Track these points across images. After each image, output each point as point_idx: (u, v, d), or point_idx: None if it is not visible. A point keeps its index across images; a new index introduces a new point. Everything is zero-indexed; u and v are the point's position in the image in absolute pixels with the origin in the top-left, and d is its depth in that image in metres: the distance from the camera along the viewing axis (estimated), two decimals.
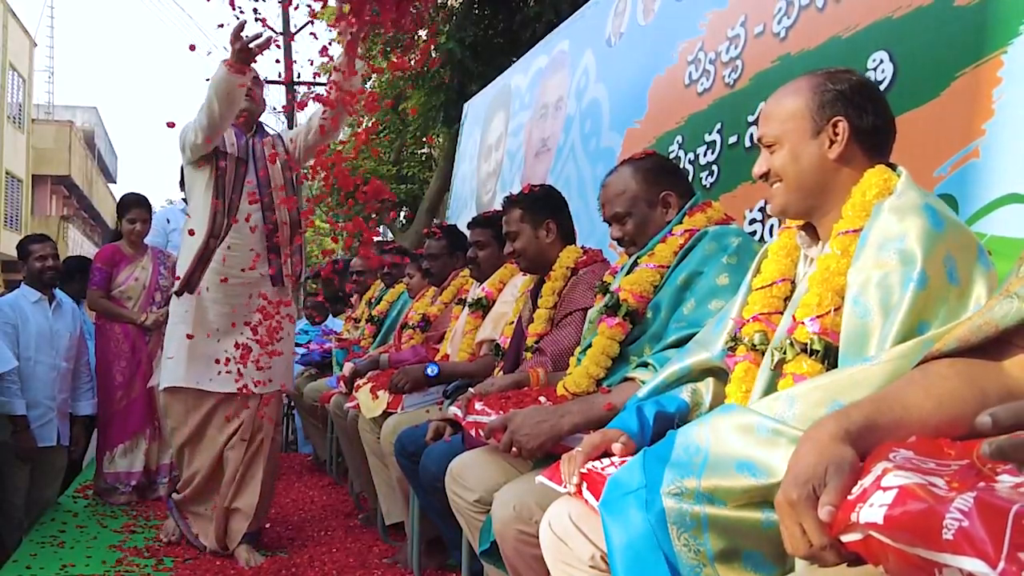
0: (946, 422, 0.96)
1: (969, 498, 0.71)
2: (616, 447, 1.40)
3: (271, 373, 3.12)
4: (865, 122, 1.36)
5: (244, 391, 3.01)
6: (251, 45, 2.78)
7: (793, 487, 0.90)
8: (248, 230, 3.08)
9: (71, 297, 4.34)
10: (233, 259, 3.07)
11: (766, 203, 2.69)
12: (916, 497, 0.75)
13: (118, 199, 4.50)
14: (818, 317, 1.26)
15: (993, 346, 1.01)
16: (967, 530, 0.69)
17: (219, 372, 3.02)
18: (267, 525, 3.49)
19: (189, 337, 3.07)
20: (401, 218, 13.31)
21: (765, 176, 1.43)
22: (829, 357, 1.24)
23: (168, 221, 4.94)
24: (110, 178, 33.96)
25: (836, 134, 1.35)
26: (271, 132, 3.36)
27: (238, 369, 2.90)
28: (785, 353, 1.30)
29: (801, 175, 1.37)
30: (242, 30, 2.75)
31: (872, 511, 0.79)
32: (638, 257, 1.98)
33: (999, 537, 0.67)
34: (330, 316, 6.23)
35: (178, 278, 3.15)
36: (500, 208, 2.70)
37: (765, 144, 1.42)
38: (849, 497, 0.85)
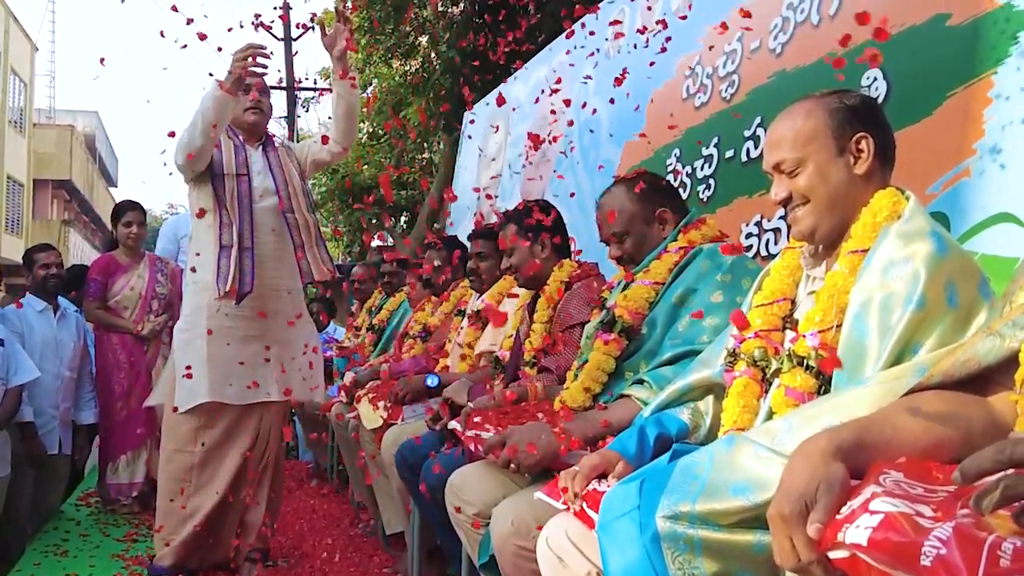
0: (933, 446, 0.99)
1: (948, 527, 0.74)
2: (611, 480, 1.41)
3: (302, 377, 3.10)
4: (881, 137, 1.38)
5: (270, 399, 2.98)
6: (249, 70, 2.73)
7: (785, 502, 0.93)
8: (267, 237, 2.99)
9: (73, 305, 4.37)
10: (258, 266, 2.95)
11: (763, 217, 2.73)
12: (898, 526, 0.79)
13: (112, 207, 4.51)
14: (820, 332, 1.28)
15: (976, 382, 1.05)
16: (944, 557, 0.72)
17: (244, 383, 2.94)
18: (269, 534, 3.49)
19: (228, 344, 2.93)
20: (402, 223, 13.33)
21: (786, 201, 1.42)
22: (824, 373, 1.26)
23: (178, 230, 4.94)
24: (111, 182, 33.97)
25: (860, 150, 1.36)
26: (279, 142, 3.26)
27: (260, 379, 2.86)
28: (782, 364, 1.32)
29: (831, 194, 1.37)
30: (247, 54, 2.71)
31: (858, 532, 0.83)
32: (634, 273, 2.01)
33: (974, 565, 0.70)
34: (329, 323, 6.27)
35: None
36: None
37: (785, 170, 1.41)
38: (838, 516, 0.88)
